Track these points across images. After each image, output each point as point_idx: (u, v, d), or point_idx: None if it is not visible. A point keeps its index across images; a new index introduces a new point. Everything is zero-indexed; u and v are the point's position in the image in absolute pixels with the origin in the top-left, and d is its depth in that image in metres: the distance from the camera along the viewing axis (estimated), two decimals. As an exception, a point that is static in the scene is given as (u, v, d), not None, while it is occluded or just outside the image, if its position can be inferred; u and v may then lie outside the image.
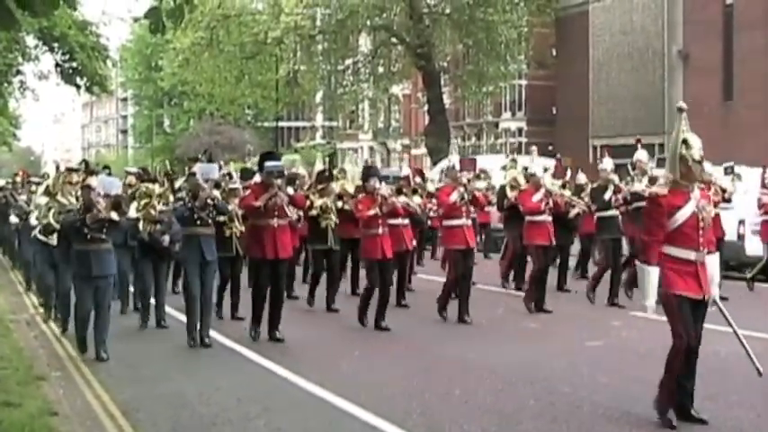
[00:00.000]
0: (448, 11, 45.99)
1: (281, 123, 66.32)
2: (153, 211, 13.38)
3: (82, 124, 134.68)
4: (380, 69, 49.91)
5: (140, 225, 13.45)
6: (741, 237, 19.82)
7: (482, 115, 62.98)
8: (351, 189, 16.42)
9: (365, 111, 67.81)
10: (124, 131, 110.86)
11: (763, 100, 38.39)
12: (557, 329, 12.88)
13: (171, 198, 14.25)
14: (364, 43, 51.35)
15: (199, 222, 12.39)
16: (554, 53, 52.67)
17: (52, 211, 13.37)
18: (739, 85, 40.41)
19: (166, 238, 13.35)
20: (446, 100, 49.85)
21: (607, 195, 15.92)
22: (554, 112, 53.39)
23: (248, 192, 13.11)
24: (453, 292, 14.47)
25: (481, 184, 16.77)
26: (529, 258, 16.49)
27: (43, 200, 14.05)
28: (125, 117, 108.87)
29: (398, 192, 14.64)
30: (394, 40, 47.35)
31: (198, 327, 12.32)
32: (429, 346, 12.26)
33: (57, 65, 36.45)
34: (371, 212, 13.45)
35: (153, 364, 11.33)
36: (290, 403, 9.25)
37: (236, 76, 48.28)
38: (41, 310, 15.68)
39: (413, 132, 67.14)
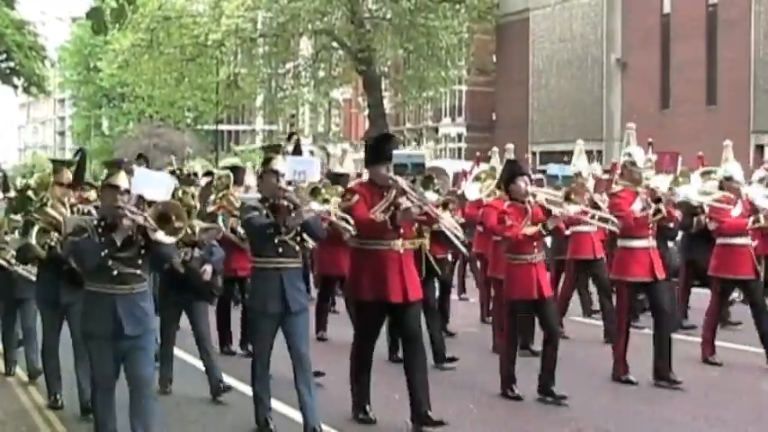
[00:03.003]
0: (389, 16, 46.05)
1: (221, 126, 65.93)
2: (191, 230, 8.63)
3: (18, 125, 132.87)
4: (321, 73, 49.85)
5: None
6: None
7: (422, 120, 63.15)
8: None
9: (305, 115, 67.71)
10: (62, 133, 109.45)
11: (698, 108, 39.00)
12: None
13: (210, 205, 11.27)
14: (305, 47, 51.26)
15: (281, 250, 8.09)
16: (494, 59, 53.01)
17: (35, 228, 9.05)
18: (675, 93, 40.97)
19: (208, 269, 9.55)
20: (386, 105, 49.94)
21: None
22: (494, 117, 53.67)
23: (355, 198, 8.45)
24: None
25: (686, 190, 11.00)
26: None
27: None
28: (63, 118, 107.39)
29: (566, 198, 9.77)
30: (335, 44, 47.38)
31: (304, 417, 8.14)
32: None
33: (-7, 64, 36.13)
34: (532, 231, 9.29)
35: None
36: (227, 406, 9.23)
37: (175, 79, 48.06)
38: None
39: (353, 137, 67.08)
